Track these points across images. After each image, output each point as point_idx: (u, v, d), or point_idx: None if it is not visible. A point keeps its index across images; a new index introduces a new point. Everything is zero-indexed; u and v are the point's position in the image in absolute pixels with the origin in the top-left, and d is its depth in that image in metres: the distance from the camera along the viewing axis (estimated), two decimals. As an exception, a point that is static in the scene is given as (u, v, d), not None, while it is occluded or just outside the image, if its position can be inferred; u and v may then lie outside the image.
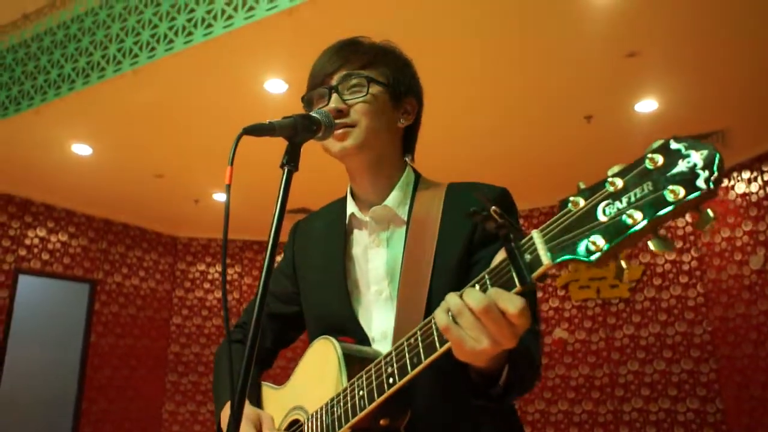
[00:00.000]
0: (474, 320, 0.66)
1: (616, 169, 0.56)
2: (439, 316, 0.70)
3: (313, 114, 0.97)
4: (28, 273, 6.60)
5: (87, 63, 4.36)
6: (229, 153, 0.85)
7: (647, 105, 4.51)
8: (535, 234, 0.62)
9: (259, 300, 0.82)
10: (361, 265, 1.12)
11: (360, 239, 1.14)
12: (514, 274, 0.64)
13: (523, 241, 0.64)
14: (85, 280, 7.15)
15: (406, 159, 1.17)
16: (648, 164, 0.52)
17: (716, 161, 0.48)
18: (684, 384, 5.86)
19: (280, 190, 0.90)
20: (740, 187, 5.53)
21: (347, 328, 1.06)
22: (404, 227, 1.08)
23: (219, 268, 8.32)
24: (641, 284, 6.25)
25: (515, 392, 0.81)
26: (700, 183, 0.48)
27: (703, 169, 0.49)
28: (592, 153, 5.15)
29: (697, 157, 0.49)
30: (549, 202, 6.62)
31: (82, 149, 5.29)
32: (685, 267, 6.08)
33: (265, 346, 1.30)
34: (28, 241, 6.60)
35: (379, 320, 1.06)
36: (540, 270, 0.61)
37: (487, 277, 0.68)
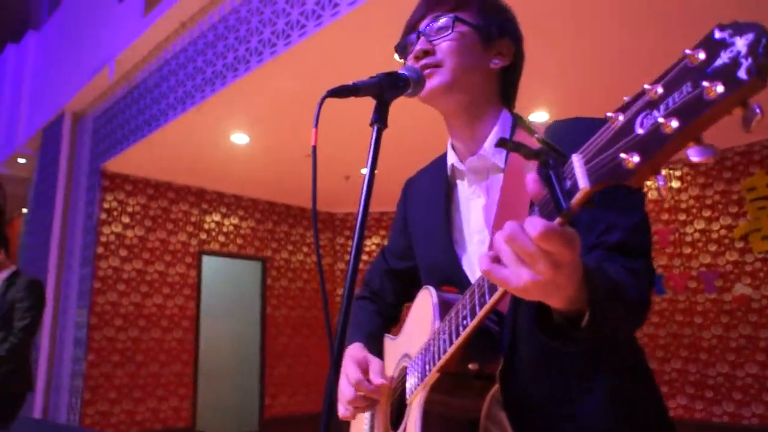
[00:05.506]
0: (512, 254, 0.64)
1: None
2: (481, 261, 0.67)
3: (399, 71, 0.99)
4: (210, 254, 7.44)
5: (234, 58, 4.73)
6: (314, 115, 0.90)
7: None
8: (575, 157, 0.57)
9: (354, 254, 0.85)
10: (464, 214, 1.13)
11: (462, 189, 1.15)
12: (554, 203, 0.59)
13: (565, 166, 0.59)
14: (257, 257, 7.87)
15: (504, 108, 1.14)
16: (689, 62, 0.45)
17: (762, 44, 0.40)
18: None
19: (370, 148, 0.92)
20: None
21: (453, 278, 1.08)
22: (501, 174, 1.06)
23: (375, 240, 8.66)
24: (844, 229, 5.36)
25: (599, 334, 0.75)
26: (741, 74, 0.40)
27: (747, 56, 0.40)
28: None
29: (740, 44, 0.41)
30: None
31: (240, 138, 5.79)
32: None
33: (388, 302, 1.38)
34: (206, 226, 7.42)
35: None
36: (578, 196, 0.56)
37: (536, 208, 0.65)
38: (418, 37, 1.08)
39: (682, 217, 6.26)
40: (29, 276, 3.71)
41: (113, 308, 6.50)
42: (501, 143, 0.62)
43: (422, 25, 1.09)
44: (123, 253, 6.68)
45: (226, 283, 7.85)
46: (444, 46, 1.05)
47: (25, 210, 8.99)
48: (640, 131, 0.49)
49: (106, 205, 6.64)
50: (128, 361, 6.51)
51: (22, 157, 8.99)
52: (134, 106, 6.17)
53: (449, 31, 1.05)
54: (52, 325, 6.93)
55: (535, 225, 0.59)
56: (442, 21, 1.06)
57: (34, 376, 6.49)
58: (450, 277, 1.08)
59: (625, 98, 0.52)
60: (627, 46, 4.12)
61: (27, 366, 3.61)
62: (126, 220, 6.76)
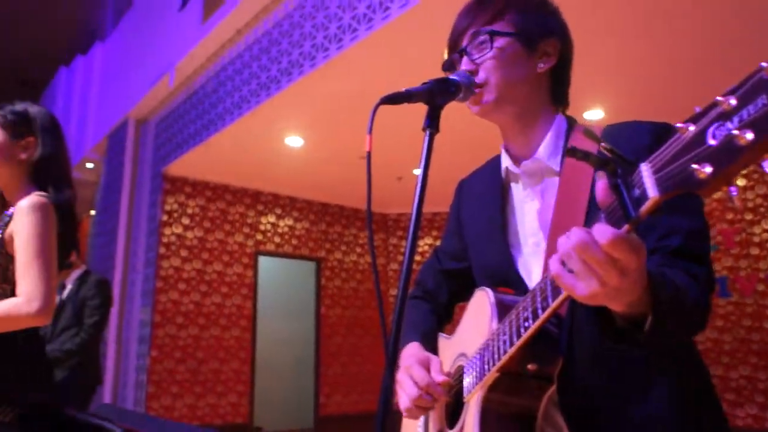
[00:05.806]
0: (579, 260, 0.65)
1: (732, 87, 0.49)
2: (552, 265, 0.69)
3: (450, 76, 1.01)
4: (266, 254, 7.62)
5: (288, 62, 4.84)
6: (368, 122, 0.93)
7: None
8: (644, 166, 0.59)
9: (408, 255, 0.88)
10: (518, 217, 1.13)
11: (516, 192, 1.15)
12: (622, 211, 0.61)
13: (634, 175, 0.61)
14: (311, 258, 8.01)
15: (559, 109, 1.13)
16: (765, 75, 0.45)
17: None
18: None
19: (423, 153, 0.95)
20: None
21: (509, 280, 1.09)
22: (557, 178, 1.06)
23: (428, 240, 8.66)
24: None
25: (662, 338, 0.76)
26: None
27: None
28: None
29: None
30: None
31: (294, 141, 5.90)
32: None
33: (441, 301, 1.40)
34: (262, 227, 7.61)
35: (537, 272, 1.06)
36: (648, 204, 0.58)
37: (602, 216, 0.66)
38: (461, 56, 1.09)
39: (749, 216, 5.99)
40: (98, 275, 3.91)
41: (175, 306, 6.76)
42: (570, 153, 0.64)
43: (464, 42, 1.10)
44: (183, 253, 6.93)
45: (281, 283, 8.02)
46: (487, 64, 1.06)
47: (92, 212, 9.45)
48: (712, 142, 0.50)
49: (167, 207, 6.90)
50: (189, 358, 6.75)
51: (90, 162, 9.47)
52: (193, 112, 6.40)
53: (488, 49, 1.05)
54: (119, 322, 7.26)
55: (603, 233, 0.61)
56: (481, 38, 1.07)
57: (103, 370, 6.82)
58: (505, 279, 1.09)
59: (696, 108, 0.53)
60: (677, 43, 3.99)
61: (96, 360, 3.80)
62: (186, 221, 7.01)
